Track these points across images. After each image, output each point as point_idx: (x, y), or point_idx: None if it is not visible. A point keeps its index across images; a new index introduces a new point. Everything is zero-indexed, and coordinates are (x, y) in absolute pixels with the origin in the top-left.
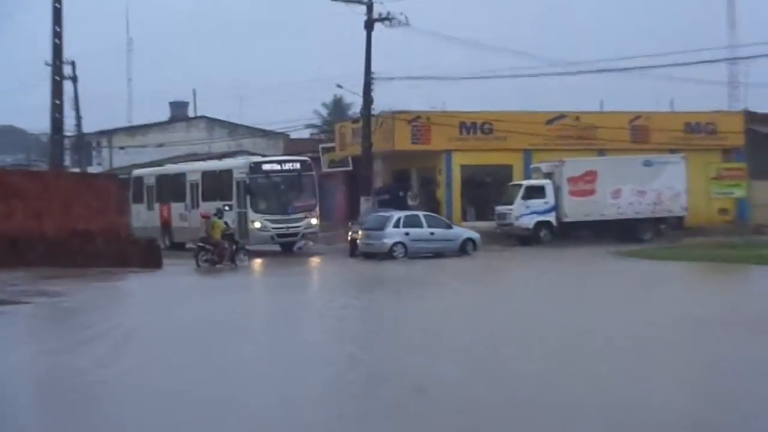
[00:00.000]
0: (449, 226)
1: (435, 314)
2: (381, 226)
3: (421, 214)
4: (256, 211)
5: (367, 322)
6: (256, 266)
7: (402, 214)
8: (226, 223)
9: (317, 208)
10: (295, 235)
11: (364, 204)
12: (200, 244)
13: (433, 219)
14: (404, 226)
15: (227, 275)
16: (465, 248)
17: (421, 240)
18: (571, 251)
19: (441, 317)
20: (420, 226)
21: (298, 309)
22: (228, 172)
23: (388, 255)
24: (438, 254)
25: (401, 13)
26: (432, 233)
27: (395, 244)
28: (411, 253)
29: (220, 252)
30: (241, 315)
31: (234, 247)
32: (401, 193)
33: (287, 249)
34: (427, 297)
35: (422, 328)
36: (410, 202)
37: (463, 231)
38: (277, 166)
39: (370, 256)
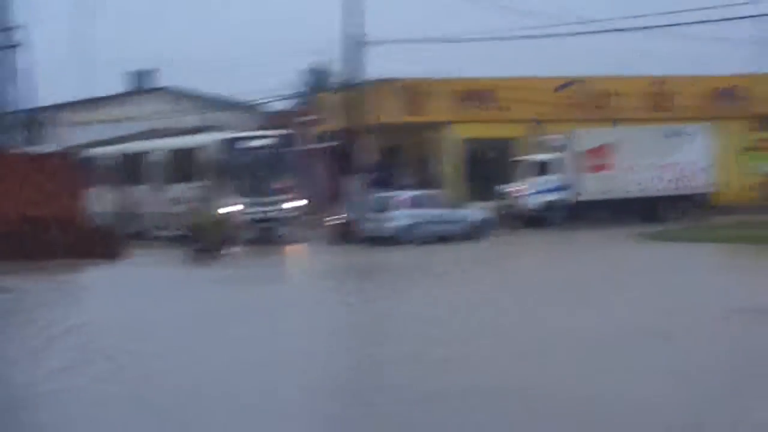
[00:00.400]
0: (456, 207)
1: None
2: (388, 207)
3: (427, 193)
4: (230, 193)
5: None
6: (240, 256)
7: (410, 194)
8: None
9: (299, 189)
10: (275, 220)
11: (352, 183)
12: (189, 233)
13: (440, 199)
14: (413, 207)
15: (201, 267)
16: (476, 231)
17: (431, 222)
18: (587, 234)
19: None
20: (429, 206)
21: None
22: (198, 150)
23: (395, 239)
24: (443, 238)
25: None
26: (440, 214)
27: (408, 226)
28: (421, 236)
29: (212, 240)
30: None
31: (226, 234)
32: (392, 172)
33: (265, 236)
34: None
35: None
36: (402, 181)
37: (472, 212)
38: (253, 143)
39: (375, 240)
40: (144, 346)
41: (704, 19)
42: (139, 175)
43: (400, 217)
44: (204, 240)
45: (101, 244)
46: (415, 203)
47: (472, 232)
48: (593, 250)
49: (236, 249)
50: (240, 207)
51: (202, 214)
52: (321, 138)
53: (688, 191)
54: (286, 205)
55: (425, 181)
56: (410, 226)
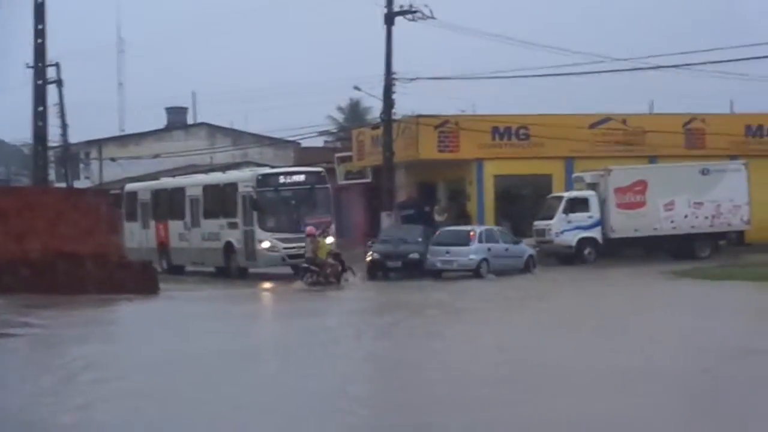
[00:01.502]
0: (517, 242)
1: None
2: (463, 242)
3: (495, 228)
4: (265, 229)
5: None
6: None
7: (482, 228)
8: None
9: (333, 225)
10: None
11: (386, 220)
12: (305, 265)
13: (505, 234)
14: (486, 241)
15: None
16: (528, 265)
17: (499, 257)
18: (619, 271)
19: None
20: (497, 241)
21: None
22: (232, 186)
23: (475, 273)
24: (502, 272)
25: (425, 5)
26: (506, 249)
27: (482, 260)
28: (493, 270)
29: (328, 273)
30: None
31: (340, 267)
32: (427, 208)
33: (299, 272)
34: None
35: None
36: (437, 218)
37: (527, 247)
38: (287, 179)
39: (433, 274)
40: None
41: (739, 57)
42: (175, 211)
43: (478, 251)
44: (321, 272)
45: (137, 279)
46: (488, 238)
47: (526, 267)
48: (624, 288)
49: (353, 280)
50: (275, 242)
51: (321, 245)
52: (357, 174)
53: (722, 229)
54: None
55: (460, 217)
56: (485, 260)
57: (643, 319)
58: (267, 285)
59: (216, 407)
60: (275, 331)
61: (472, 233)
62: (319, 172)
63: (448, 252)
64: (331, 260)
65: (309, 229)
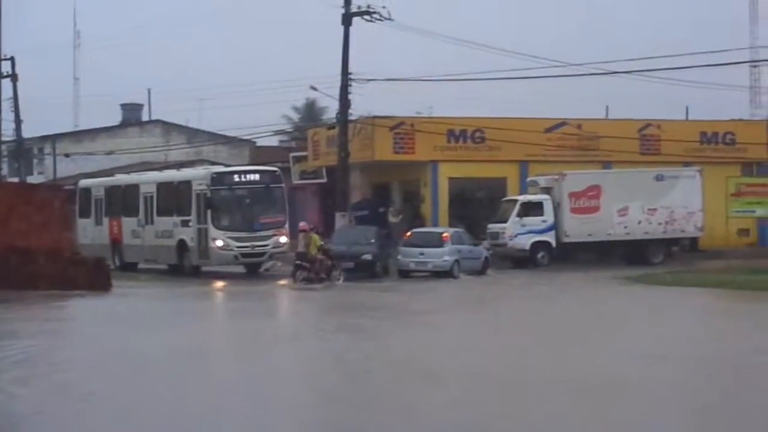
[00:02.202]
0: (476, 244)
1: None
2: (437, 243)
3: (460, 230)
4: (218, 227)
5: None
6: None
7: (452, 230)
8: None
9: (287, 225)
10: (261, 255)
11: (340, 220)
12: (297, 261)
13: (466, 236)
14: (454, 243)
15: (195, 298)
16: (484, 267)
17: (464, 258)
18: (572, 275)
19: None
20: (463, 243)
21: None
22: (187, 184)
23: (449, 273)
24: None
25: (383, 7)
26: (470, 251)
27: (454, 262)
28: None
29: (318, 269)
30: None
31: (331, 263)
32: (381, 209)
33: (252, 270)
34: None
35: None
36: (391, 219)
37: (483, 250)
38: (241, 177)
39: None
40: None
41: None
42: (129, 208)
43: (452, 253)
44: (312, 268)
45: (89, 276)
46: (455, 240)
47: (483, 269)
48: (576, 292)
49: (341, 278)
50: (228, 241)
51: (313, 241)
52: (312, 174)
53: (676, 235)
54: (273, 240)
55: (413, 219)
56: (457, 262)
57: (591, 324)
58: (220, 284)
59: (137, 402)
60: (220, 329)
61: (445, 235)
62: (273, 172)
63: (422, 253)
64: (320, 256)
65: (301, 224)
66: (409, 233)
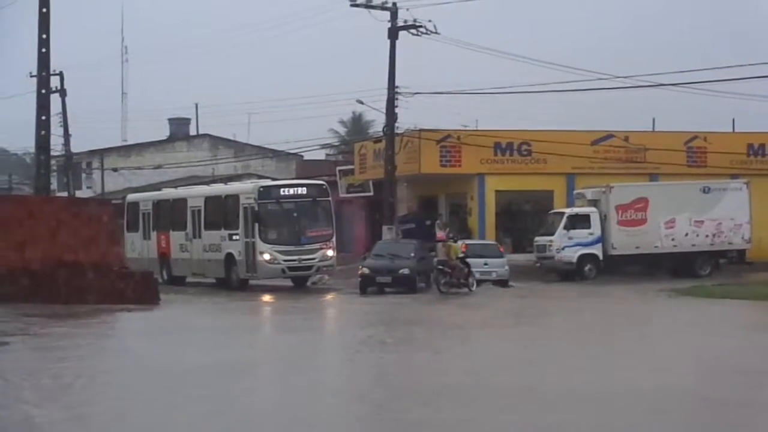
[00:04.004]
0: (502, 256)
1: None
2: (496, 254)
3: (491, 242)
4: (266, 241)
5: None
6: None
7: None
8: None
9: (334, 238)
10: (308, 268)
11: (387, 234)
12: (440, 267)
13: (494, 247)
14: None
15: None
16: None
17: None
18: (619, 288)
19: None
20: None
21: None
22: (234, 198)
23: (506, 282)
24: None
25: (429, 20)
26: (501, 263)
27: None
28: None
29: (458, 275)
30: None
31: (467, 270)
32: (428, 222)
33: (299, 284)
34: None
35: None
36: (439, 232)
37: (505, 261)
38: (289, 191)
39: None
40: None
41: (744, 75)
42: (177, 222)
43: (507, 263)
44: (453, 274)
45: (137, 289)
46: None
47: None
48: (623, 305)
49: (474, 284)
50: (275, 254)
51: (453, 248)
52: (358, 187)
53: (723, 247)
54: (320, 254)
55: (461, 232)
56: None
57: (643, 337)
58: (267, 297)
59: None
60: (270, 343)
61: (501, 247)
62: (320, 185)
63: (486, 264)
64: (459, 264)
65: (440, 234)
66: (463, 246)
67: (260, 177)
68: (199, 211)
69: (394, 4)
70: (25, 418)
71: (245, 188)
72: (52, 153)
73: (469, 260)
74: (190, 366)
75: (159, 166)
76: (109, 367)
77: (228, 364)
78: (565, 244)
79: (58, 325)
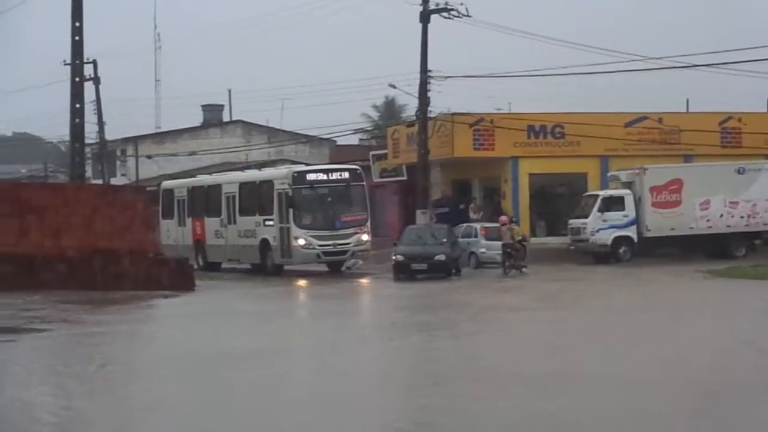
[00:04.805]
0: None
1: None
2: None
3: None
4: (300, 226)
5: None
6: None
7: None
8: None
9: (368, 223)
10: (343, 253)
11: (421, 218)
12: (507, 249)
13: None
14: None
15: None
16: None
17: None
18: (655, 270)
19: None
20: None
21: None
22: (268, 183)
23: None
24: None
25: (461, 3)
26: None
27: None
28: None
29: (520, 256)
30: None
31: (525, 252)
32: (462, 206)
33: (335, 269)
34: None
35: None
36: (473, 216)
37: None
38: (323, 176)
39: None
40: None
41: None
42: (212, 208)
43: None
44: (517, 256)
45: (173, 276)
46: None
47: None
48: (661, 287)
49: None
50: (310, 239)
51: (513, 232)
52: (392, 171)
53: (758, 228)
54: (355, 239)
55: (494, 215)
56: None
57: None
58: (302, 282)
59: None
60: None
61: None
62: (354, 170)
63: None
64: (518, 246)
65: (502, 218)
66: (483, 229)
67: (294, 162)
68: (234, 197)
69: None
70: (67, 406)
71: (279, 174)
72: (87, 141)
73: (489, 243)
74: (225, 351)
75: (193, 153)
76: (146, 353)
77: (263, 350)
78: (599, 227)
79: (96, 312)
